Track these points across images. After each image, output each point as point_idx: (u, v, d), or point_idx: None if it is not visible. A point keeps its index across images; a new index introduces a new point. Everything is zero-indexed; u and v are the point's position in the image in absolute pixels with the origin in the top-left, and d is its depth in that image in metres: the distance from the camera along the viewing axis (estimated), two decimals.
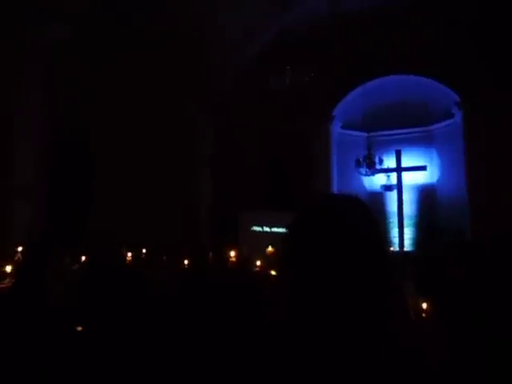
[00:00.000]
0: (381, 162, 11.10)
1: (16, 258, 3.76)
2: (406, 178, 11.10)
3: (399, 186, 11.04)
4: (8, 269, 2.91)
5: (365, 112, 11.42)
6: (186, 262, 5.60)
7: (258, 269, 5.89)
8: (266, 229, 10.44)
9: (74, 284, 4.09)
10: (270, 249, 7.30)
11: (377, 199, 11.09)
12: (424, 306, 3.56)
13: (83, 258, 4.32)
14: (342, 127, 11.71)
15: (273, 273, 5.07)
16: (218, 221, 9.72)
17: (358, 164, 11.16)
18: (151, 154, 8.94)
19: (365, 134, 11.69)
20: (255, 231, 10.39)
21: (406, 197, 11.04)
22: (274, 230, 10.45)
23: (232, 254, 6.29)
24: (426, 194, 11.06)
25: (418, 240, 10.85)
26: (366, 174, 11.22)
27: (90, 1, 7.44)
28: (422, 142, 11.14)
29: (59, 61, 7.64)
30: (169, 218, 8.47)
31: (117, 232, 6.06)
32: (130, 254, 4.50)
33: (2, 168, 6.70)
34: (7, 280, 2.93)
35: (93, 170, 9.23)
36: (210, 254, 5.92)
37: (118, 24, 7.89)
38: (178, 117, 9.01)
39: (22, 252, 3.50)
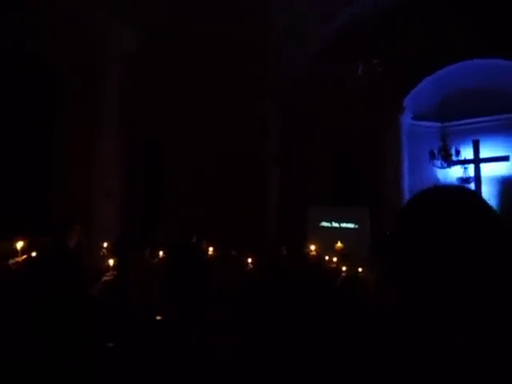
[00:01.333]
0: (457, 153, 10.55)
1: (101, 254, 4.10)
2: (486, 169, 10.42)
3: (477, 179, 10.40)
4: (110, 263, 3.22)
5: (438, 101, 10.88)
6: (256, 260, 5.69)
7: (333, 265, 5.87)
8: (335, 224, 10.37)
9: (153, 276, 4.34)
10: (339, 244, 7.25)
11: None
12: None
13: (161, 253, 4.59)
14: (413, 118, 11.25)
15: (344, 268, 5.03)
16: (287, 218, 9.79)
17: (433, 156, 10.69)
18: (221, 156, 9.22)
19: (438, 125, 11.13)
20: (324, 227, 10.36)
21: (484, 189, 10.36)
22: (343, 225, 10.35)
23: (312, 247, 6.31)
24: (508, 186, 10.30)
25: None
26: (442, 167, 10.70)
27: (158, 10, 7.78)
28: (503, 130, 10.37)
29: (133, 73, 8.11)
30: (238, 218, 8.69)
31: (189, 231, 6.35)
32: (211, 249, 4.70)
33: (91, 175, 7.38)
34: (110, 272, 3.23)
35: (165, 175, 9.70)
36: (284, 250, 5.98)
37: (184, 30, 8.18)
38: (245, 118, 9.20)
39: (107, 248, 3.82)
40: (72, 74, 7.61)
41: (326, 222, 10.42)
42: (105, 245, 3.85)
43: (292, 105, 9.89)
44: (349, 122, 10.04)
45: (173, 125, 9.26)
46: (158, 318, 3.88)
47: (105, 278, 3.34)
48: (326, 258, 6.25)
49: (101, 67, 7.85)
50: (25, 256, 3.01)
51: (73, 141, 7.52)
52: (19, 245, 2.97)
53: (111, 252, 3.80)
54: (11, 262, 2.95)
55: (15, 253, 2.95)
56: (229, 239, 6.37)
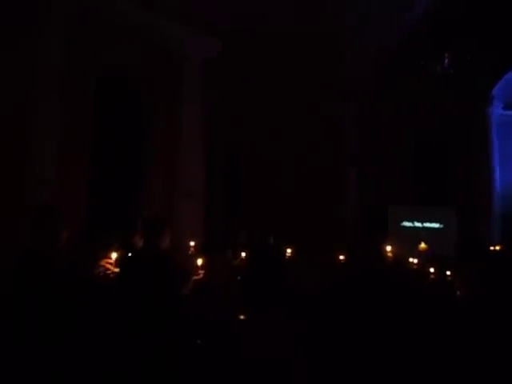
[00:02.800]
0: None
1: (190, 253, 4.29)
2: None
3: None
4: (199, 262, 3.33)
5: None
6: (334, 260, 5.61)
7: (415, 266, 5.62)
8: (418, 224, 9.91)
9: (235, 277, 4.44)
10: (422, 245, 6.92)
11: None
12: None
13: (243, 254, 4.70)
14: (504, 108, 10.39)
15: (432, 270, 4.78)
16: (366, 218, 9.54)
17: None
18: (298, 156, 9.23)
19: None
20: (405, 227, 9.95)
21: None
22: (427, 225, 9.85)
23: (388, 248, 6.10)
24: None
25: None
26: None
27: (234, 14, 7.97)
28: None
29: (212, 74, 8.40)
30: (316, 218, 8.63)
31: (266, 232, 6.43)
32: (289, 250, 4.72)
33: (173, 176, 7.77)
34: (199, 272, 3.34)
35: (243, 175, 9.90)
36: (360, 251, 5.83)
37: (260, 31, 8.27)
38: (322, 118, 9.12)
39: (194, 247, 3.99)
40: (154, 83, 8.07)
41: (408, 221, 10.00)
42: (192, 243, 4.01)
43: (370, 101, 9.60)
44: (433, 115, 9.53)
45: (251, 125, 9.42)
46: (242, 317, 3.96)
47: (195, 277, 3.42)
48: (410, 259, 5.99)
49: (181, 72, 8.23)
50: (115, 257, 3.11)
51: (157, 143, 7.98)
52: (114, 255, 3.12)
53: (199, 251, 3.95)
54: (104, 262, 3.10)
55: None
56: (306, 240, 6.35)
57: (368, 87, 9.38)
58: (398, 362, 3.22)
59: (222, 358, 3.51)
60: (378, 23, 8.36)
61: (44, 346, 2.53)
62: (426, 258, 6.09)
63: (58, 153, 6.37)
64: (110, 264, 3.13)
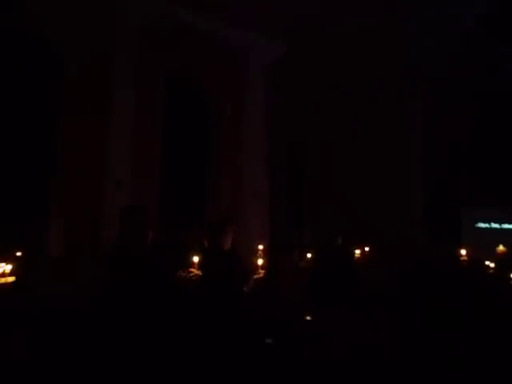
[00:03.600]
0: None
1: (257, 255, 4.37)
2: None
3: None
4: (260, 261, 3.41)
5: None
6: (403, 261, 5.44)
7: (491, 271, 5.30)
8: (495, 225, 9.30)
9: (301, 278, 4.44)
10: (501, 248, 6.50)
11: None
12: None
13: (309, 255, 4.69)
14: None
15: None
16: (437, 219, 9.11)
17: None
18: (364, 156, 9.02)
19: None
20: (481, 228, 9.37)
21: None
22: (505, 226, 9.22)
23: (463, 252, 5.80)
24: None
25: None
26: None
27: (298, 14, 7.93)
28: None
29: (276, 75, 8.45)
30: (384, 219, 8.39)
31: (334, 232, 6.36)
32: (357, 252, 4.66)
33: (241, 177, 7.96)
34: (259, 271, 3.41)
35: (307, 175, 9.85)
36: (432, 253, 5.60)
37: (324, 30, 8.17)
38: (389, 117, 8.84)
39: (262, 250, 4.06)
40: (220, 84, 8.27)
41: (484, 222, 9.41)
42: (260, 247, 4.09)
43: (438, 98, 9.14)
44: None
45: (315, 125, 9.36)
46: (308, 318, 3.96)
47: (255, 276, 3.51)
48: (487, 263, 5.64)
49: (246, 74, 8.39)
50: (196, 260, 3.21)
51: (223, 144, 8.18)
52: (195, 259, 3.23)
53: (266, 253, 4.01)
54: (190, 274, 3.19)
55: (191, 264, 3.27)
56: (374, 241, 6.20)
57: (435, 86, 8.94)
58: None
59: (291, 357, 3.55)
60: (442, 22, 7.92)
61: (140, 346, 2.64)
62: (505, 262, 5.71)
63: (131, 154, 6.75)
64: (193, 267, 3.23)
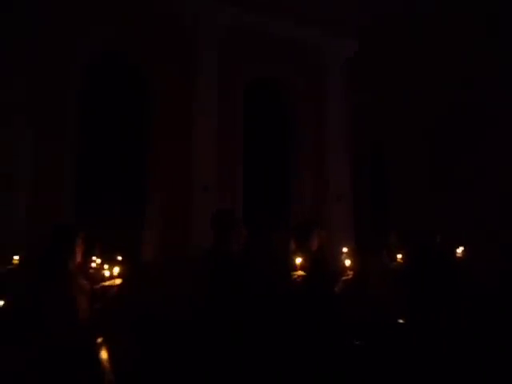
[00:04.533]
0: None
1: (342, 257, 4.27)
2: None
3: None
4: (347, 263, 3.38)
5: None
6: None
7: None
8: None
9: (393, 280, 4.28)
10: None
11: None
12: None
13: (399, 256, 4.49)
14: None
15: None
16: None
17: None
18: (448, 154, 8.44)
19: None
20: None
21: None
22: None
23: None
24: None
25: None
26: None
27: (375, 13, 7.67)
28: None
29: (354, 74, 8.26)
30: (475, 218, 7.76)
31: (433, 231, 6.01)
32: (460, 250, 4.38)
33: (324, 179, 7.96)
34: (347, 272, 3.36)
35: (389, 176, 9.48)
36: None
37: (399, 27, 7.81)
38: (473, 112, 8.16)
39: (347, 252, 3.97)
40: (299, 86, 8.30)
41: None
42: (345, 250, 4.02)
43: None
44: None
45: (396, 124, 8.98)
46: (401, 321, 3.82)
47: (344, 278, 3.46)
48: None
49: (325, 74, 8.35)
50: (299, 262, 3.27)
51: (305, 146, 8.19)
52: (298, 260, 3.26)
53: (351, 255, 3.94)
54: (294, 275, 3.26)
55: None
56: (470, 240, 5.77)
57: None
58: None
59: (381, 359, 3.46)
60: None
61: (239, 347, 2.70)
62: None
63: (216, 160, 7.02)
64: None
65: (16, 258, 3.95)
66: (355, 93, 8.37)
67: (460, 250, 4.52)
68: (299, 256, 3.21)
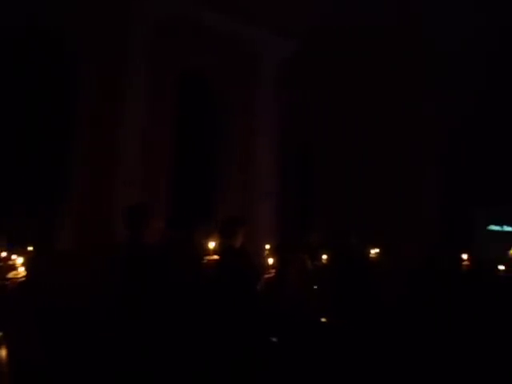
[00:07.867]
0: None
1: (265, 254, 4.33)
2: None
3: None
4: (270, 261, 3.43)
5: None
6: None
7: (501, 273, 5.21)
8: (508, 228, 9.17)
9: (314, 279, 4.39)
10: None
11: None
12: None
13: (324, 256, 4.60)
14: None
15: None
16: (450, 221, 8.99)
17: None
18: (376, 157, 8.94)
19: None
20: (492, 231, 9.24)
21: None
22: None
23: (464, 256, 5.71)
24: None
25: None
26: None
27: (311, 15, 7.89)
28: None
29: (286, 75, 8.42)
30: (395, 220, 8.30)
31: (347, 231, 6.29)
32: (372, 252, 4.59)
33: (250, 177, 7.96)
34: (269, 271, 3.41)
35: (317, 177, 9.80)
36: (440, 258, 5.53)
37: (336, 29, 8.11)
38: (404, 117, 8.75)
39: (270, 249, 4.01)
40: (230, 83, 8.27)
41: (496, 225, 9.28)
42: (267, 247, 4.07)
43: (451, 97, 9.01)
44: None
45: (326, 126, 9.30)
46: (323, 320, 3.92)
47: (266, 276, 3.51)
48: (500, 267, 5.54)
49: (256, 73, 8.39)
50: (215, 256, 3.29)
51: (233, 143, 8.17)
52: (211, 245, 3.29)
53: (273, 253, 4.00)
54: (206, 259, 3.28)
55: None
56: (387, 241, 6.14)
57: (449, 86, 8.84)
58: None
59: (298, 357, 3.53)
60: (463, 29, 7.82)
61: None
62: None
63: (142, 153, 6.77)
64: None
65: None
66: (287, 93, 8.53)
67: (374, 251, 4.75)
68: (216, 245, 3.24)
